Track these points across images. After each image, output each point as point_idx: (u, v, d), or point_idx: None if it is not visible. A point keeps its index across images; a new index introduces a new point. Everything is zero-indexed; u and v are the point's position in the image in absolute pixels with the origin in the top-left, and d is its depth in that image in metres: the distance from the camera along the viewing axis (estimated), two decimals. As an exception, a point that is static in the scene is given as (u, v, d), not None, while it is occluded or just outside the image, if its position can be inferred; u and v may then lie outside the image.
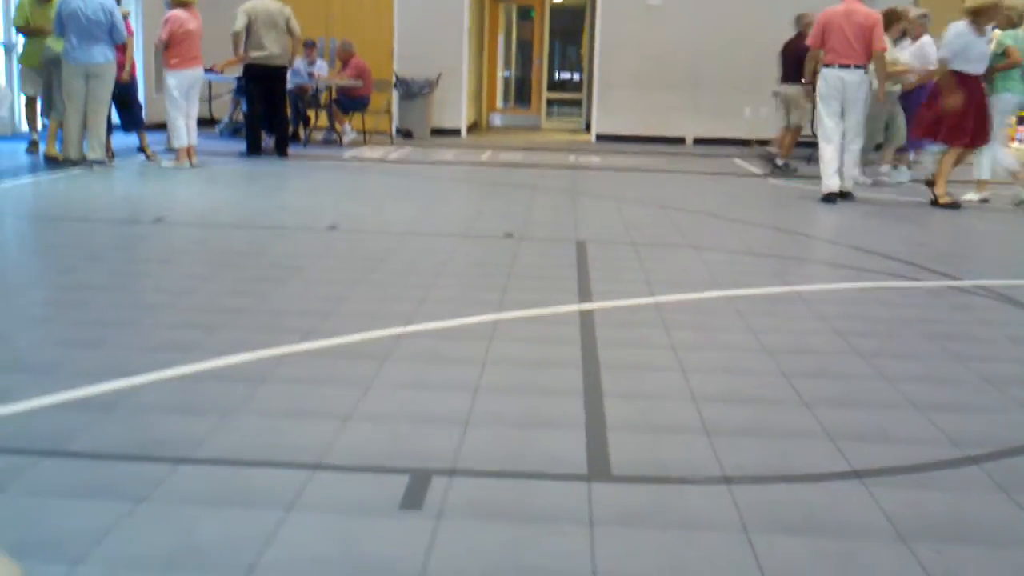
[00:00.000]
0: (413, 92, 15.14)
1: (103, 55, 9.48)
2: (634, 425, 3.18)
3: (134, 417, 3.11)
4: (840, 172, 9.09)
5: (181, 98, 10.22)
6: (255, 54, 11.16)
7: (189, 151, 10.33)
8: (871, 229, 7.75)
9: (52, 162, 9.73)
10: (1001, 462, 2.98)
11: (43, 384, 3.36)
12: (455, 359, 3.83)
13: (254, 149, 11.54)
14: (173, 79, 10.19)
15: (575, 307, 4.71)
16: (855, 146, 9.20)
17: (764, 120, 15.27)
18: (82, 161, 9.64)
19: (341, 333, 4.11)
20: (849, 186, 9.22)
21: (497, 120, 19.71)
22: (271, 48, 11.20)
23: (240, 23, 11.05)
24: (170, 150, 10.53)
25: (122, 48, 9.89)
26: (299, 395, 3.36)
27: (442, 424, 3.11)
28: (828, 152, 9.10)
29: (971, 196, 9.17)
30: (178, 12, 10.17)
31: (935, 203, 8.83)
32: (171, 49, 10.12)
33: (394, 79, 15.20)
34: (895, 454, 3.01)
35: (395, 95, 15.27)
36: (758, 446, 3.03)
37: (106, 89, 9.63)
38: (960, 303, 5.19)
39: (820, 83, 9.17)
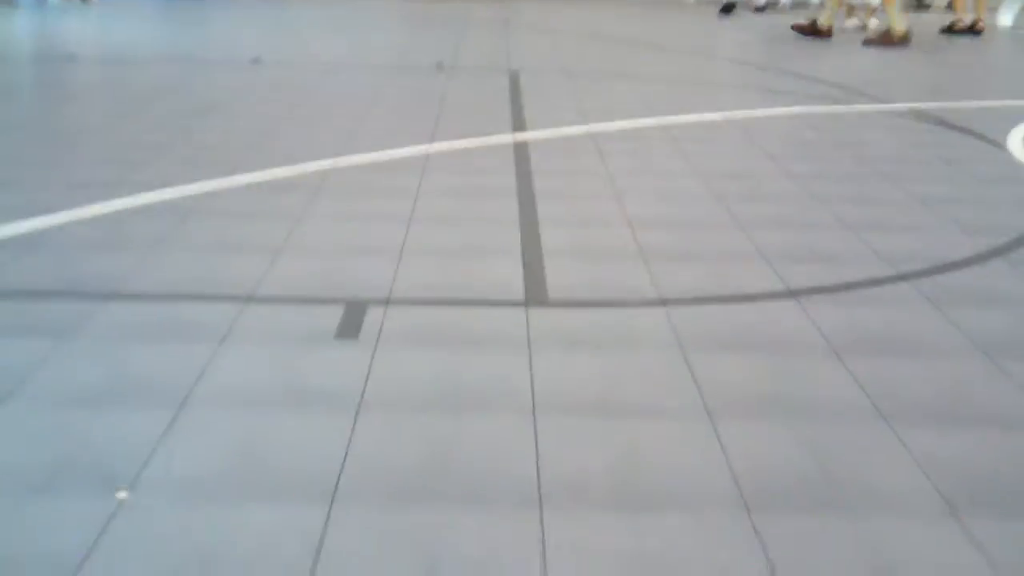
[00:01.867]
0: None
1: None
2: (570, 251, 3.15)
3: (58, 255, 3.00)
4: None
5: None
6: None
7: None
8: (805, 54, 7.67)
9: None
10: (933, 278, 3.01)
11: (-42, 224, 3.23)
12: (388, 191, 3.74)
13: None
14: None
15: (509, 137, 4.62)
16: None
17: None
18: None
19: (269, 167, 3.98)
20: None
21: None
22: None
23: None
24: None
25: None
26: (228, 229, 3.27)
27: (376, 255, 3.05)
28: None
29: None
30: None
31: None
32: None
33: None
34: (829, 273, 3.02)
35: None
36: (693, 269, 3.03)
37: None
38: (893, 126, 5.19)
39: None
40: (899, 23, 7.95)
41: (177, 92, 5.54)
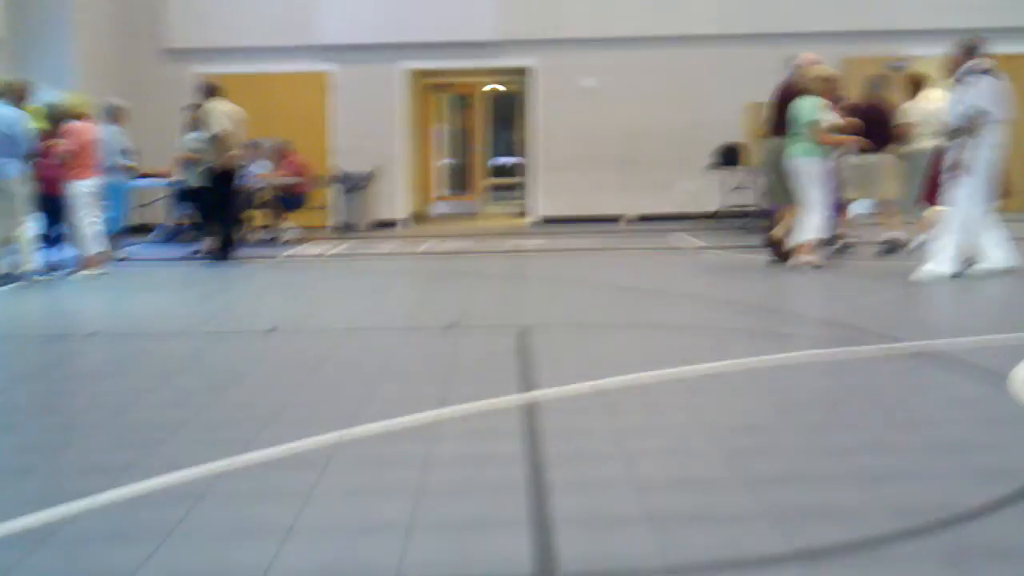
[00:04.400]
0: (352, 186, 15.20)
1: (14, 169, 9.39)
2: (581, 519, 3.13)
3: (66, 551, 3.00)
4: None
5: (93, 204, 10.13)
6: (230, 155, 11.23)
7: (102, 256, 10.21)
8: (809, 294, 7.83)
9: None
10: (949, 531, 2.97)
11: (-30, 519, 3.24)
12: (397, 461, 3.76)
13: (225, 252, 11.31)
14: (84, 187, 10.03)
15: (518, 398, 4.67)
16: None
17: (700, 194, 15.55)
18: (8, 276, 9.47)
19: (281, 441, 4.02)
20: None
21: (438, 208, 19.82)
22: (236, 149, 11.38)
23: (224, 123, 11.11)
24: (83, 262, 10.35)
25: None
26: (238, 512, 3.28)
27: (385, 532, 3.04)
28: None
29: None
30: (79, 123, 10.14)
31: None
32: (78, 159, 9.99)
33: (332, 174, 15.27)
34: (843, 530, 2.98)
35: (334, 190, 15.32)
36: (705, 532, 3.00)
37: (22, 201, 9.50)
38: (901, 367, 5.24)
39: None
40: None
41: (194, 366, 5.67)
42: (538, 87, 16.05)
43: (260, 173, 13.56)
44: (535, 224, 16.10)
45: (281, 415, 4.50)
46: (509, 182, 21.96)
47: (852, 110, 9.86)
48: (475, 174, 20.04)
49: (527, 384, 4.94)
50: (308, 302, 8.46)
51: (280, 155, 13.87)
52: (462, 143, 21.01)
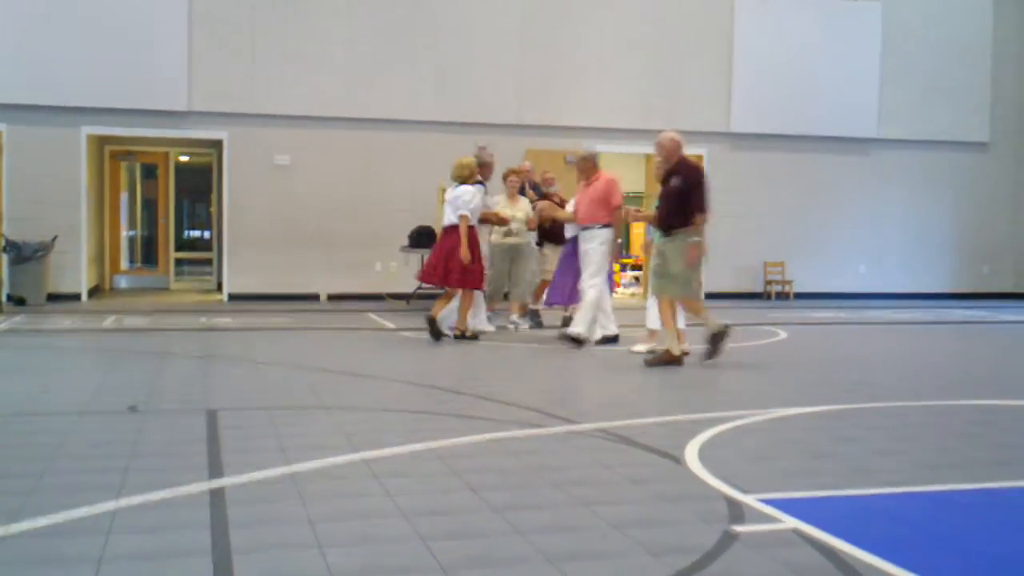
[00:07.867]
0: (25, 255, 14.18)
1: None
2: (268, 614, 3.01)
3: None
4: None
5: None
6: None
7: None
8: (498, 377, 8.05)
9: None
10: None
11: None
12: (67, 559, 3.47)
13: None
14: None
15: (205, 485, 4.46)
16: None
17: (394, 274, 15.73)
18: None
19: (-69, 541, 3.62)
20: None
21: (122, 282, 18.86)
22: None
23: None
24: None
25: None
26: None
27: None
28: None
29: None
30: None
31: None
32: None
33: (2, 242, 14.19)
34: (531, 613, 3.04)
35: (4, 259, 14.22)
36: (397, 621, 2.96)
37: None
38: (582, 447, 5.45)
39: None
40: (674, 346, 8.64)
41: None
42: (228, 160, 15.74)
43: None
44: (226, 300, 15.64)
45: (-68, 510, 4.05)
46: (201, 256, 21.27)
47: None
48: (164, 247, 19.25)
49: (215, 470, 4.73)
50: (-31, 382, 7.74)
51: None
52: (150, 214, 20.15)
